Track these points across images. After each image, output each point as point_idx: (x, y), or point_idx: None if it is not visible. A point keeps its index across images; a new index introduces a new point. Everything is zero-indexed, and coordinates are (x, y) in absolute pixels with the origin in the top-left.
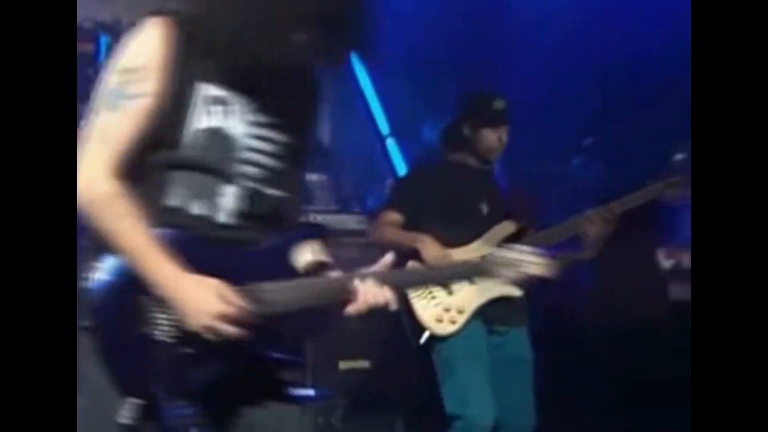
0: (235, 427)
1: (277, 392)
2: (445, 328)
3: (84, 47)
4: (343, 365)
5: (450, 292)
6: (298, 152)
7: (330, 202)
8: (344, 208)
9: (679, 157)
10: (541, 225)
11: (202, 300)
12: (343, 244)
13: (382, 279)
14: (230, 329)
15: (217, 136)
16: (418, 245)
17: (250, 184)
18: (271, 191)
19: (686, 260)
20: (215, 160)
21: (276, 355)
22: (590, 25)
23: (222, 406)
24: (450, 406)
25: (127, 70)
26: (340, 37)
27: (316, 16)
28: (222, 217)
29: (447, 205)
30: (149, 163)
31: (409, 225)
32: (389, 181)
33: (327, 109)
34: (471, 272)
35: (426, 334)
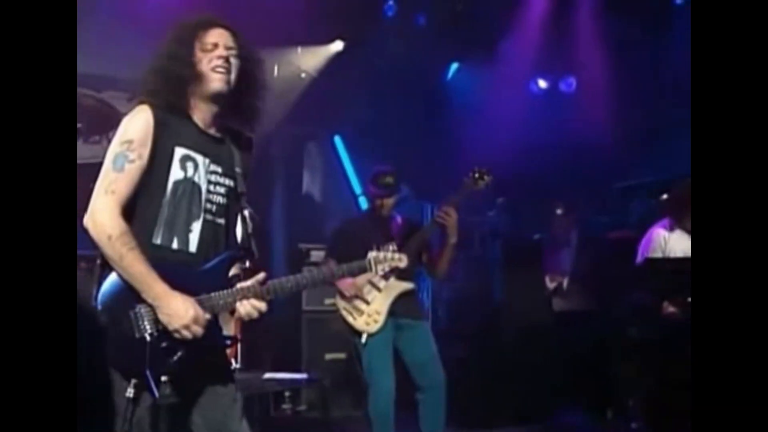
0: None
1: (218, 362)
2: (373, 327)
3: None
4: (328, 356)
5: (368, 302)
6: (237, 192)
7: (319, 240)
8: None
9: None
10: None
11: (183, 309)
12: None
13: (259, 291)
14: (198, 328)
15: (188, 183)
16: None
17: (209, 217)
18: (220, 221)
19: (564, 282)
20: (188, 203)
21: (223, 340)
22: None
23: (184, 377)
24: (365, 377)
25: (125, 141)
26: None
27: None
28: (192, 248)
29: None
30: (142, 211)
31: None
32: None
33: (319, 175)
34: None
35: (365, 336)
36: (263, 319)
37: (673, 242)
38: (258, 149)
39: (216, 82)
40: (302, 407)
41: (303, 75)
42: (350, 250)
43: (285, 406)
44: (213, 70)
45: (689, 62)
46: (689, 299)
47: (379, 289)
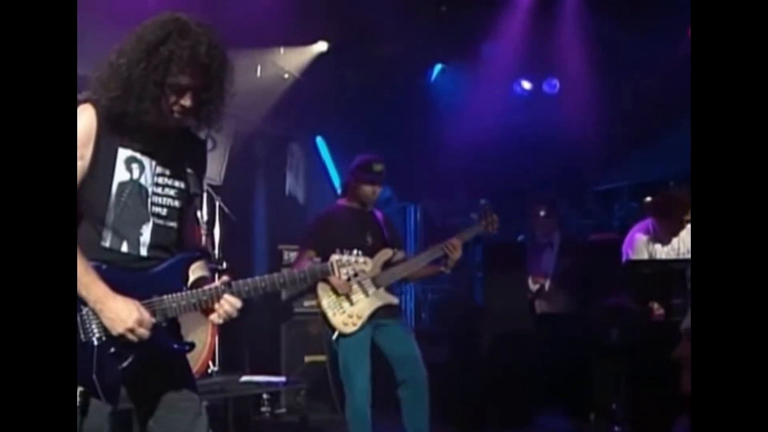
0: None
1: (177, 372)
2: (349, 329)
3: None
4: (307, 359)
5: (351, 303)
6: (189, 194)
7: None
8: None
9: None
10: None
11: (125, 312)
12: None
13: (216, 294)
14: (143, 331)
15: (135, 185)
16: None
17: (159, 221)
18: (171, 224)
19: (547, 284)
20: (135, 205)
21: (173, 345)
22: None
23: (139, 386)
24: (341, 375)
25: None
26: (209, 111)
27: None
28: (143, 251)
29: (342, 237)
30: (90, 212)
31: (321, 255)
32: None
33: (302, 176)
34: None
35: (336, 333)
36: (242, 322)
37: (655, 245)
38: (241, 150)
39: (172, 121)
40: (281, 410)
41: (286, 75)
42: (335, 244)
43: (264, 410)
44: (172, 112)
45: (673, 65)
46: (672, 301)
47: (366, 294)
